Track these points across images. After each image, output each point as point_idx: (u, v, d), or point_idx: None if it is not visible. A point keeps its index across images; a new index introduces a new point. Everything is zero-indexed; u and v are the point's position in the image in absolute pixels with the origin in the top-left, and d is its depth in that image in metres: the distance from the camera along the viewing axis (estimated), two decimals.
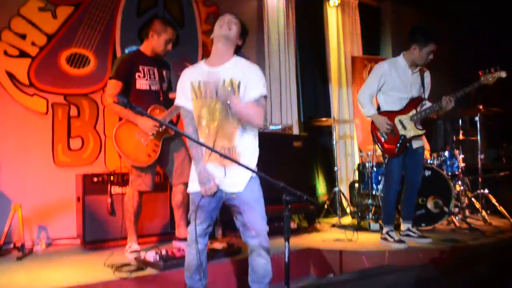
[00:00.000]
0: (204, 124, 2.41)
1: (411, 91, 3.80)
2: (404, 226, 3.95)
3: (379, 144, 3.84)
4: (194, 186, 2.46)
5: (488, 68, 3.64)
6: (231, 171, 2.39)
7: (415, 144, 3.83)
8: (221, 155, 2.19)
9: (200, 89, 2.40)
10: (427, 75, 3.89)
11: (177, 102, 2.50)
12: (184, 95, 2.46)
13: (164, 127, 3.50)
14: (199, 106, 2.41)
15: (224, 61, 2.42)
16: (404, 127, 3.76)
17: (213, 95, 2.38)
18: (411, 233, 3.88)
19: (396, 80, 3.77)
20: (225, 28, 2.40)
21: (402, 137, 3.74)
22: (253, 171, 2.17)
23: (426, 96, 3.89)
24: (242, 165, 2.10)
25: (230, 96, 2.30)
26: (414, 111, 3.78)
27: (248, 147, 2.42)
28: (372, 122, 3.85)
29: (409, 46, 3.77)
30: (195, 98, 2.41)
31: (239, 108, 2.27)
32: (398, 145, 3.73)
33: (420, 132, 3.76)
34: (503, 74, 3.62)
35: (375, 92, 3.83)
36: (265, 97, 2.42)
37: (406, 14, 7.06)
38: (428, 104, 3.84)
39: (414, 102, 3.80)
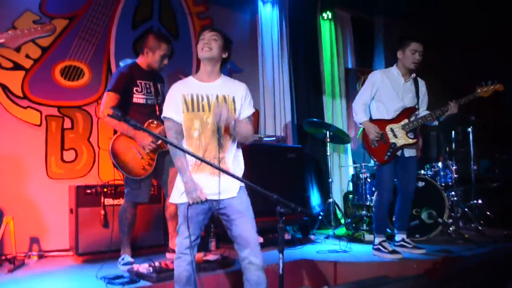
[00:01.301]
0: (196, 135, 2.45)
1: (404, 100, 3.84)
2: (398, 237, 3.96)
3: (368, 150, 3.87)
4: (181, 197, 2.47)
5: (485, 81, 3.74)
6: (222, 180, 2.41)
7: (407, 153, 3.85)
8: (212, 165, 2.25)
9: (193, 102, 2.45)
10: (422, 85, 3.95)
11: (166, 114, 2.51)
12: (173, 108, 2.48)
13: (160, 141, 3.49)
14: (190, 119, 2.46)
15: (213, 79, 2.55)
16: (395, 136, 3.78)
17: (206, 108, 2.45)
18: (406, 244, 3.89)
19: (389, 88, 3.83)
20: (206, 50, 2.49)
21: (392, 145, 3.76)
22: (245, 182, 2.18)
23: (424, 105, 3.94)
24: (234, 176, 2.12)
25: (231, 115, 2.37)
26: (406, 120, 3.80)
27: (236, 158, 2.52)
28: (364, 130, 3.88)
29: (396, 56, 3.89)
30: (186, 111, 2.46)
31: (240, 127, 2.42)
32: (388, 152, 3.76)
33: (411, 141, 3.78)
34: (499, 88, 3.70)
35: (368, 100, 3.88)
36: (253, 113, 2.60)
37: (399, 27, 7.11)
38: (423, 113, 3.87)
39: (407, 112, 3.83)
